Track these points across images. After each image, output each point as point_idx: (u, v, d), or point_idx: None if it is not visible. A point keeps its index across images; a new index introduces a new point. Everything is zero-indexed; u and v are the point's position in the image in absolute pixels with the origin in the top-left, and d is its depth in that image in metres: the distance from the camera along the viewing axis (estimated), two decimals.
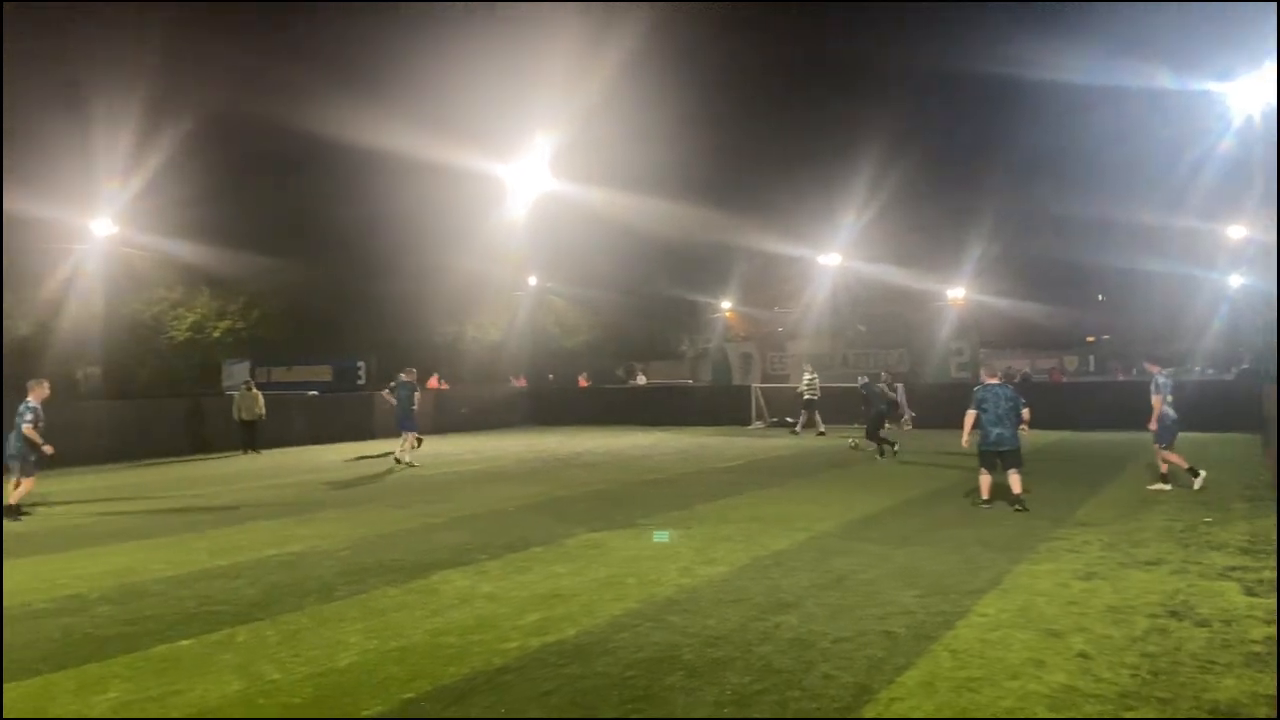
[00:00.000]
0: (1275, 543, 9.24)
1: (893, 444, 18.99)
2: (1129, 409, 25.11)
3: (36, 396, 13.70)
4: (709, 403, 32.01)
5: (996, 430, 11.78)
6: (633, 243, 43.41)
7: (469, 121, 32.25)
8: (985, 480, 12.13)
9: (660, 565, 9.01)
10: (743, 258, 49.58)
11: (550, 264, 44.54)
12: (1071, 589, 7.74)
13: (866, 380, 20.10)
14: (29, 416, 13.43)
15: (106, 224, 29.56)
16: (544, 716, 5.16)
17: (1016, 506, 11.64)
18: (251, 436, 24.38)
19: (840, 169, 46.61)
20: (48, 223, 28.80)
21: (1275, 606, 7.00)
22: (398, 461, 19.19)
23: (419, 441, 20.37)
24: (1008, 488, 11.83)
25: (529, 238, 38.21)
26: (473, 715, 5.20)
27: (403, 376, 19.74)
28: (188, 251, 33.25)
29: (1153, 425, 13.17)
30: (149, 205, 30.45)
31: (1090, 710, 5.05)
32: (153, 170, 29.83)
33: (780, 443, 23.90)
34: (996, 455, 11.92)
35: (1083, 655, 5.99)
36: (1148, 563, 8.64)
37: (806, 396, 26.84)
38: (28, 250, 29.27)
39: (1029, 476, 12.38)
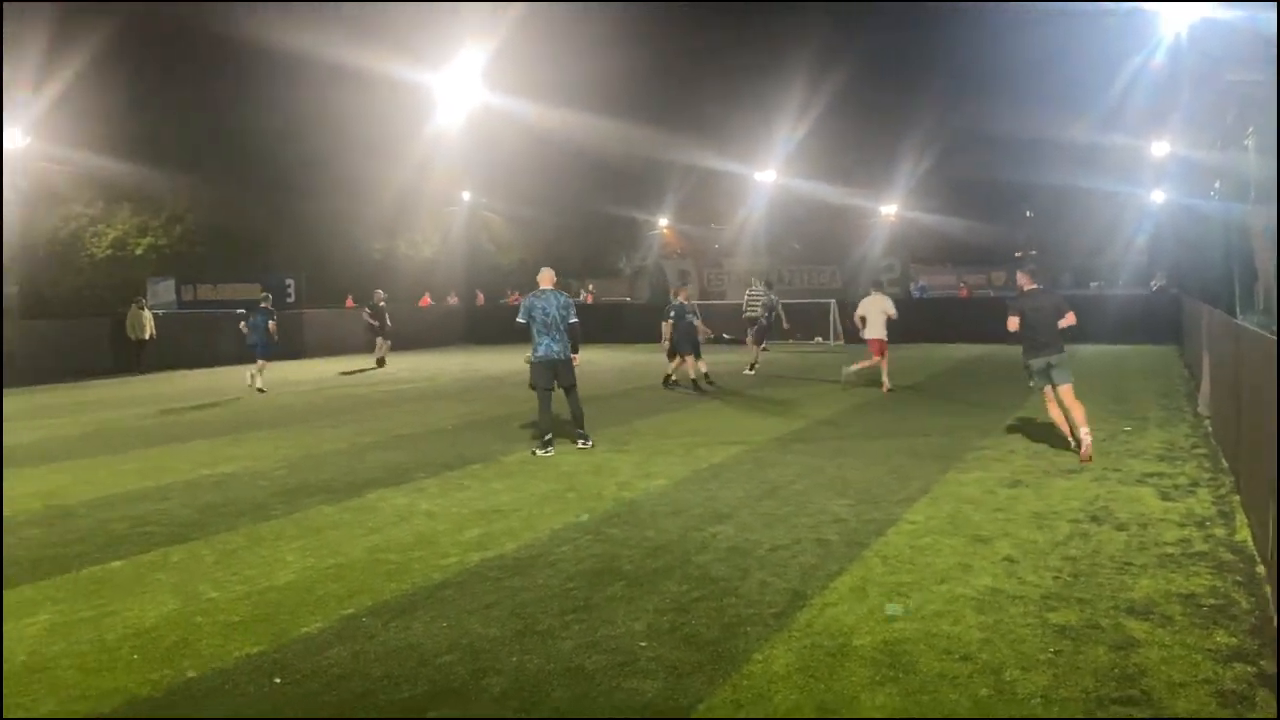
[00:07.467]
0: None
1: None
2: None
3: (684, 296, 16.87)
4: (647, 320, 31.97)
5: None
6: (569, 159, 42.81)
7: (397, 27, 31.32)
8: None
9: (600, 480, 9.09)
10: (679, 174, 49.21)
11: (485, 180, 43.75)
12: (998, 496, 7.99)
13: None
14: (689, 316, 16.09)
15: (18, 135, 28.19)
16: (485, 630, 5.21)
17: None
18: (139, 357, 23.84)
19: (774, 85, 46.16)
20: None
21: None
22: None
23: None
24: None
25: (462, 152, 37.42)
26: (415, 629, 5.23)
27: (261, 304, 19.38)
28: (106, 166, 31.97)
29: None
30: (65, 116, 29.07)
31: (1015, 611, 5.25)
32: (67, 80, 28.44)
33: (718, 359, 24.03)
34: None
35: (1008, 559, 6.21)
36: (1069, 470, 8.95)
37: (748, 314, 26.69)
38: None
39: (962, 388, 12.56)
